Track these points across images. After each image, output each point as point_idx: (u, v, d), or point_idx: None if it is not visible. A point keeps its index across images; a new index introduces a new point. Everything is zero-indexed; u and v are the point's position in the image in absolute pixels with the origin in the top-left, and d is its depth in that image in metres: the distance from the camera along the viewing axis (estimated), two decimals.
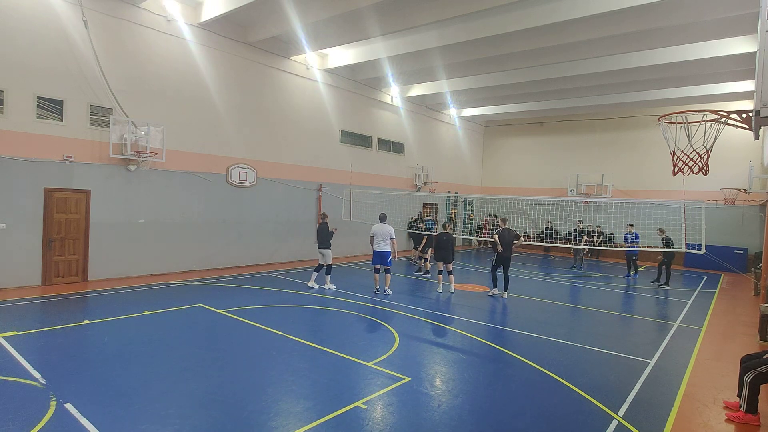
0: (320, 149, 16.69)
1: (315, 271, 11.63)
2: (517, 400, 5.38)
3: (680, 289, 13.68)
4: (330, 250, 11.41)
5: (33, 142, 10.04)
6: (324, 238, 11.38)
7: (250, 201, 14.36)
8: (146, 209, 11.95)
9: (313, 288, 11.30)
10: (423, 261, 14.45)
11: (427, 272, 14.22)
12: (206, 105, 13.11)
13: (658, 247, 15.39)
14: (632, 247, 15.04)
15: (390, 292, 11.08)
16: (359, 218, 15.69)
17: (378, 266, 11.09)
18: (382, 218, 11.41)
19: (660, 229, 14.31)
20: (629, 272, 15.80)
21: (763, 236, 15.14)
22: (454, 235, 12.10)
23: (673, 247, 13.62)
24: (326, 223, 11.55)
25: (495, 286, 11.46)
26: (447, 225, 11.81)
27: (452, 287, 11.57)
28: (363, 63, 15.71)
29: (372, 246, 11.11)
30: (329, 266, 11.41)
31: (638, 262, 16.40)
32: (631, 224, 15.69)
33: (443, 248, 11.46)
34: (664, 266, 14.17)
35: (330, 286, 11.36)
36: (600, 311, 10.50)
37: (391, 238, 10.98)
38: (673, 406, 5.41)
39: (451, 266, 11.57)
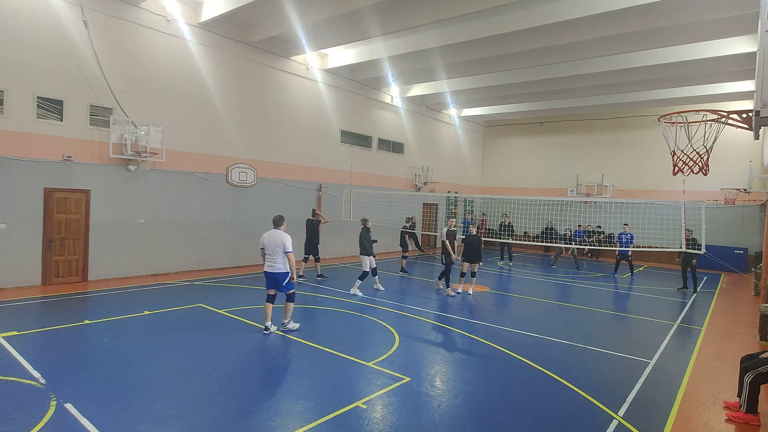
0: (320, 149, 16.68)
1: (359, 279, 11.03)
2: (517, 400, 5.38)
3: (680, 290, 13.65)
4: (367, 257, 11.11)
5: (33, 142, 10.04)
6: (365, 243, 11.15)
7: (250, 201, 14.36)
8: (146, 209, 11.95)
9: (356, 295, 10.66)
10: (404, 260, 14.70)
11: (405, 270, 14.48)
12: (206, 105, 13.10)
13: (656, 248, 15.38)
14: (627, 247, 15.11)
15: (295, 326, 7.66)
16: (359, 218, 15.63)
17: (272, 292, 7.50)
18: (276, 222, 7.66)
19: (687, 230, 12.48)
20: (615, 271, 16.08)
21: (763, 236, 15.13)
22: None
23: (697, 249, 12.62)
24: (368, 228, 11.35)
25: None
26: (472, 226, 11.78)
27: (469, 288, 11.56)
28: (363, 63, 15.71)
29: (264, 261, 7.52)
30: (366, 272, 11.04)
31: (637, 263, 16.36)
32: (626, 224, 15.77)
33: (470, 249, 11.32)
34: (689, 270, 13.23)
35: (356, 291, 10.87)
36: (600, 311, 10.50)
37: (285, 252, 7.30)
38: (673, 406, 5.41)
39: (476, 267, 11.44)
